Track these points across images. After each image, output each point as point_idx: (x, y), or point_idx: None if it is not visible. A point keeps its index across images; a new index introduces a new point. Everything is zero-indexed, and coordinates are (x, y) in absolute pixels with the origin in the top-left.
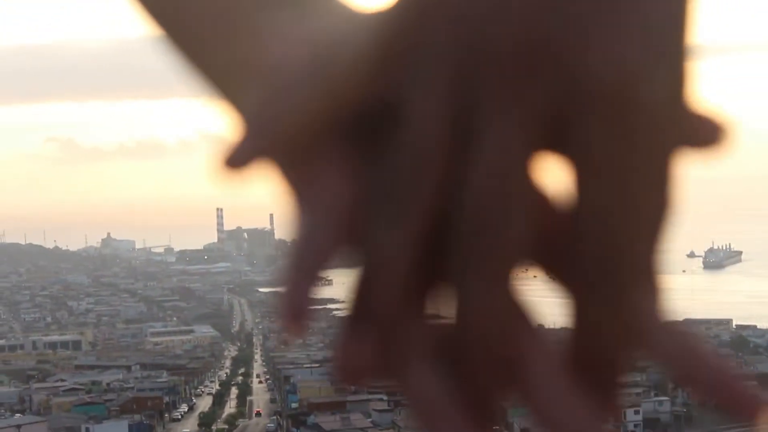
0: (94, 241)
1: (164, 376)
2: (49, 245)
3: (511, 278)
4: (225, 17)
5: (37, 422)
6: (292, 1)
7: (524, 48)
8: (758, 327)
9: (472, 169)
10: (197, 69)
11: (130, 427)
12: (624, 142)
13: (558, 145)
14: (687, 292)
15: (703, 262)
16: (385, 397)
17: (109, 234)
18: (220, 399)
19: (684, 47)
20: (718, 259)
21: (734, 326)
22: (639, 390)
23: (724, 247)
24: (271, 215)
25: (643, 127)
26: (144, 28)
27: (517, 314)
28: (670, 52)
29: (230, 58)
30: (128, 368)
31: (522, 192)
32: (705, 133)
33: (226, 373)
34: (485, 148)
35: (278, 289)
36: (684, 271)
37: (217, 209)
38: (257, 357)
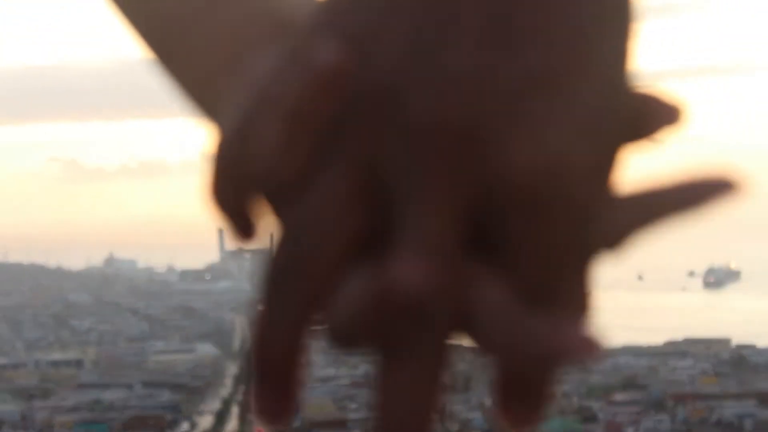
0: (97, 260)
1: (166, 395)
2: (52, 264)
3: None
4: (209, 35)
5: None
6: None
7: (447, 136)
8: (758, 346)
9: (395, 255)
10: (181, 85)
11: None
12: (547, 234)
13: (479, 234)
14: (687, 310)
15: (703, 281)
16: None
17: (111, 253)
18: (221, 417)
19: (614, 126)
20: (717, 278)
21: (734, 345)
22: (638, 408)
23: (724, 267)
24: (272, 235)
25: (566, 219)
26: (139, 48)
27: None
28: (598, 137)
29: (211, 72)
30: (130, 386)
31: (446, 287)
32: (659, 117)
33: (228, 392)
34: (407, 242)
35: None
36: (684, 289)
37: (219, 229)
38: None
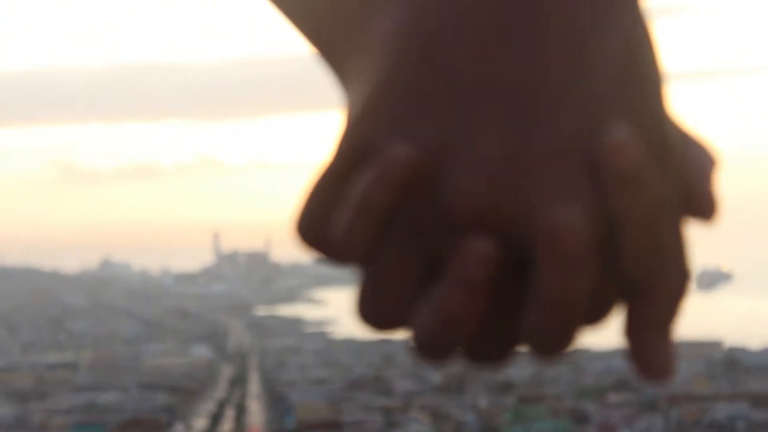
0: (92, 263)
1: (161, 397)
2: (48, 267)
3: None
4: None
5: None
6: None
7: (476, 216)
8: (750, 348)
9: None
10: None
11: None
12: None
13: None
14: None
15: (696, 283)
16: (379, 419)
17: (107, 256)
18: (216, 419)
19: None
20: (710, 281)
21: (726, 347)
22: (632, 410)
23: (716, 269)
24: (267, 239)
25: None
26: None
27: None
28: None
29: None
30: (126, 389)
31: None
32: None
33: (223, 394)
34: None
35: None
36: None
37: (214, 233)
38: (253, 377)
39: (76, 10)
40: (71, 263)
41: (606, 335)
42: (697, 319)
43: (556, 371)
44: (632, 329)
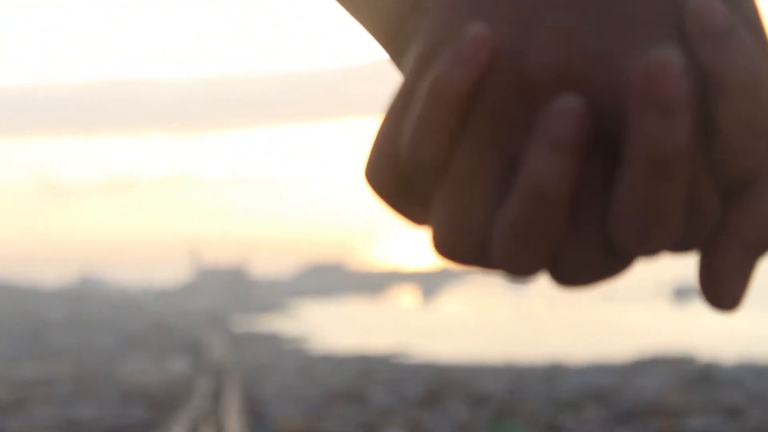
0: (72, 277)
1: (140, 410)
2: (27, 281)
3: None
4: None
5: None
6: None
7: (561, 82)
8: (725, 360)
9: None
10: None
11: None
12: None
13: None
14: (656, 325)
15: (672, 296)
16: (362, 430)
17: (86, 270)
18: None
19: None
20: (686, 293)
21: (701, 360)
22: (607, 423)
23: (689, 282)
24: (245, 253)
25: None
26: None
27: None
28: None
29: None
30: (105, 402)
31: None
32: None
33: (202, 407)
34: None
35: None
36: (653, 304)
37: (192, 247)
38: (231, 391)
39: (52, 25)
40: (51, 277)
41: (582, 348)
42: (674, 331)
43: (532, 385)
44: (719, 242)
